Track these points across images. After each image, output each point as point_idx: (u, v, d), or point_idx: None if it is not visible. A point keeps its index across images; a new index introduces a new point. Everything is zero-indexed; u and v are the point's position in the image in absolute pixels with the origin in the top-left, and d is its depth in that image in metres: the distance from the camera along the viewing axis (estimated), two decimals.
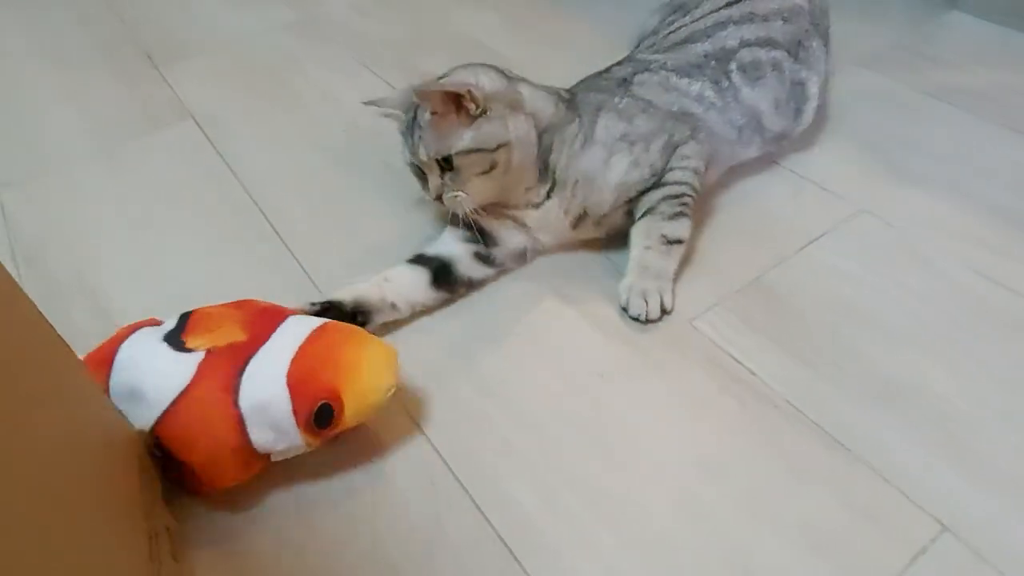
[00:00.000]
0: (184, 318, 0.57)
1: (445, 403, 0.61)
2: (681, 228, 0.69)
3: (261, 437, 0.52)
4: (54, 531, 0.34)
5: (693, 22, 0.81)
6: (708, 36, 0.79)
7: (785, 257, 0.72)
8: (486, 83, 0.68)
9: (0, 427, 0.31)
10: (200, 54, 1.12)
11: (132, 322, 0.60)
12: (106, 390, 0.53)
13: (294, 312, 0.59)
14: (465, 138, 0.65)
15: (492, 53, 1.07)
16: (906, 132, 0.86)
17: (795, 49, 0.80)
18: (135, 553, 0.43)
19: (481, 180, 0.67)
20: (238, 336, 0.54)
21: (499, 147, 0.66)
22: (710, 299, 0.68)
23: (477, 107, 0.65)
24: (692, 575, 0.49)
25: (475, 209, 0.68)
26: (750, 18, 0.80)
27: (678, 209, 0.69)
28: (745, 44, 0.78)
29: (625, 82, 0.75)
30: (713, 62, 0.77)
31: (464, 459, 0.57)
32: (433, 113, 0.66)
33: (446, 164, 0.66)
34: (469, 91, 0.65)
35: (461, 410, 0.61)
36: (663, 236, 0.68)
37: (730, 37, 0.78)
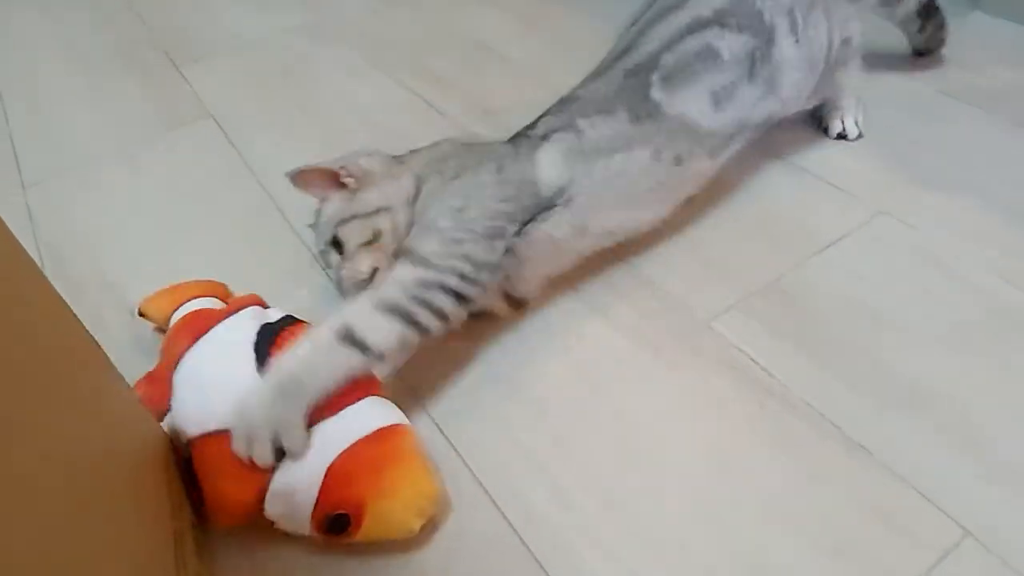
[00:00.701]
0: (284, 323, 0.56)
1: (462, 402, 0.62)
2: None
3: (274, 510, 0.50)
4: (84, 531, 0.35)
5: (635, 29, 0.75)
6: (633, 45, 0.73)
7: (803, 259, 0.72)
8: (365, 162, 0.68)
9: (33, 426, 0.32)
10: (218, 55, 1.13)
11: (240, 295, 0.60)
12: (178, 356, 0.54)
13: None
14: (343, 209, 0.65)
15: (499, 54, 1.07)
16: (926, 133, 0.85)
17: (742, 18, 0.70)
18: (162, 553, 0.44)
19: (367, 251, 0.62)
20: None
21: (378, 211, 0.64)
22: (728, 301, 0.68)
23: (354, 179, 0.66)
24: None
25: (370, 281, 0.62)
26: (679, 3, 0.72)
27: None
28: (670, 43, 0.70)
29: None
30: (632, 81, 0.69)
31: (482, 458, 0.57)
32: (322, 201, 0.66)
33: (336, 245, 0.64)
34: (344, 167, 0.66)
35: (479, 409, 0.61)
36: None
37: (653, 39, 0.71)
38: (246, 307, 0.58)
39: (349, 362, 0.52)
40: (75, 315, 0.42)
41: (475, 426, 0.60)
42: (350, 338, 0.53)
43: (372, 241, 0.63)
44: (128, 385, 0.50)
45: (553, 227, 0.64)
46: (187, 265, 0.77)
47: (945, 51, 0.98)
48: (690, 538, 0.51)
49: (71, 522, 0.33)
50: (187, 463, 0.52)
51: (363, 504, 0.49)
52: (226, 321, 0.56)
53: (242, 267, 0.76)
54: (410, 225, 0.64)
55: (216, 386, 0.52)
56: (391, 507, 0.49)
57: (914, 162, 0.82)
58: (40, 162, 0.94)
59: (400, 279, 0.57)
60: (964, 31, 1.03)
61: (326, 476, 0.49)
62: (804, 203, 0.78)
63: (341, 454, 0.49)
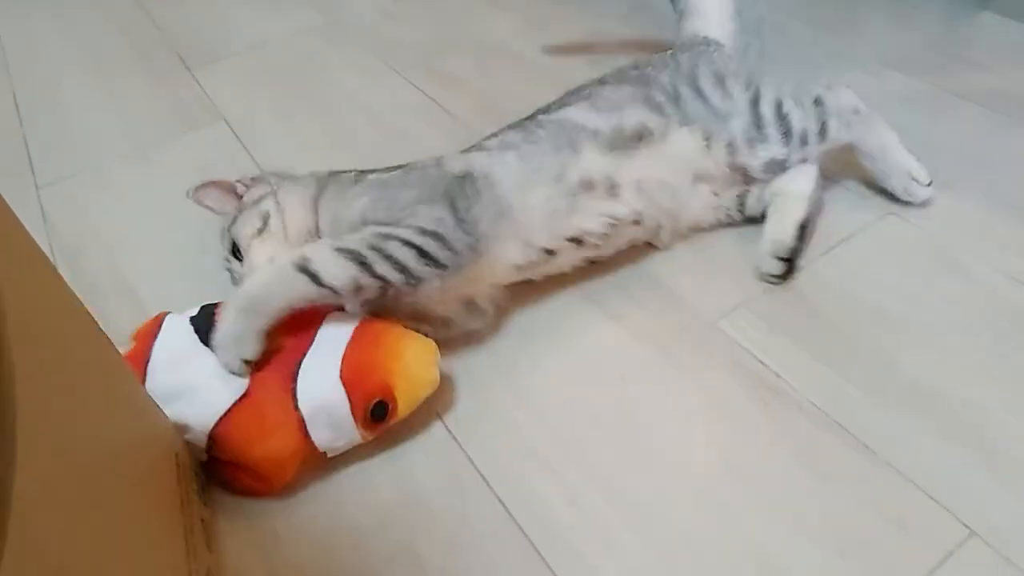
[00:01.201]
0: (212, 306, 0.59)
1: (469, 400, 0.62)
2: None
3: (321, 436, 0.54)
4: (97, 524, 0.35)
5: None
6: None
7: (811, 258, 0.72)
8: (262, 174, 0.71)
9: (49, 422, 0.33)
10: (231, 57, 1.14)
11: (149, 318, 0.61)
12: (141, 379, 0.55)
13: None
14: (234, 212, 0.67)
15: (514, 55, 1.08)
16: (935, 133, 0.85)
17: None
18: (173, 545, 0.45)
19: (260, 241, 0.64)
20: (279, 340, 0.56)
21: (263, 197, 0.66)
22: (734, 300, 0.68)
23: (246, 187, 0.68)
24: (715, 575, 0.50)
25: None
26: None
27: None
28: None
29: None
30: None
31: (489, 456, 0.58)
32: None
33: (236, 253, 0.66)
34: (240, 179, 0.69)
35: (486, 407, 0.61)
36: None
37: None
38: (162, 317, 0.60)
39: (305, 289, 0.55)
40: (88, 313, 0.43)
41: (484, 427, 0.60)
42: (305, 269, 0.56)
43: (263, 229, 0.64)
44: (137, 381, 0.51)
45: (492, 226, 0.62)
46: (200, 266, 0.78)
47: (956, 51, 0.98)
48: (696, 537, 0.52)
49: (85, 515, 0.34)
50: (213, 461, 0.54)
51: (388, 384, 0.55)
52: (159, 334, 0.58)
53: None
54: (312, 220, 0.64)
55: (195, 379, 0.54)
56: (409, 372, 0.56)
57: (923, 161, 0.81)
58: (54, 163, 0.96)
59: (361, 232, 0.59)
60: (973, 31, 1.03)
61: (344, 382, 0.53)
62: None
63: (343, 360, 0.54)
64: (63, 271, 0.81)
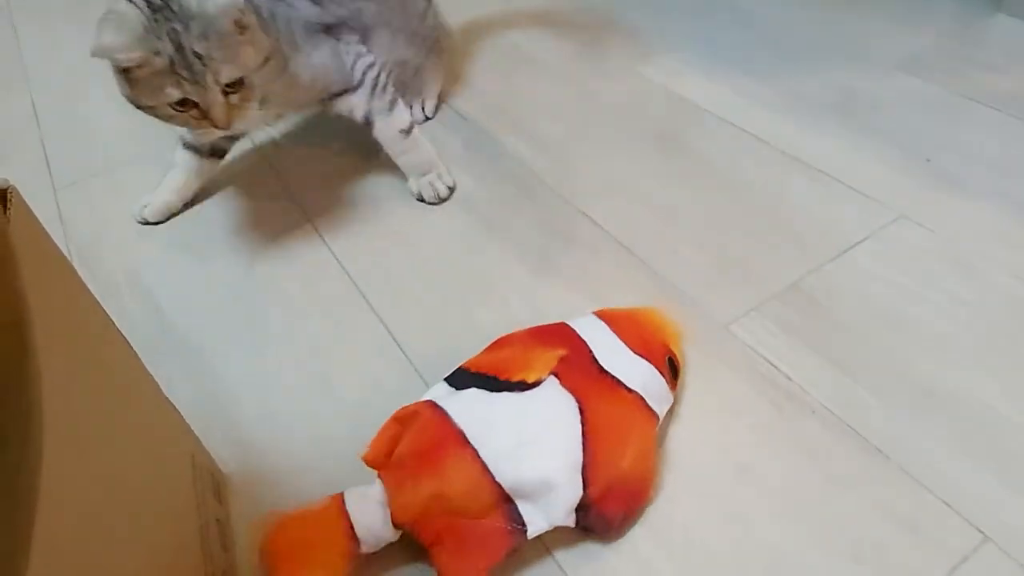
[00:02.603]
0: (463, 372, 0.54)
1: None
2: (403, 115, 0.82)
3: (660, 409, 0.55)
4: (117, 528, 0.36)
5: None
6: None
7: (823, 262, 0.72)
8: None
9: (70, 427, 0.33)
10: None
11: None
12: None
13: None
14: (253, 53, 0.66)
15: (528, 56, 1.08)
16: (947, 136, 0.85)
17: None
18: (190, 547, 0.45)
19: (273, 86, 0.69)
20: (554, 352, 0.53)
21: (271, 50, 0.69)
22: (747, 304, 0.68)
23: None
24: None
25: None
26: None
27: (389, 98, 0.81)
28: None
29: None
30: None
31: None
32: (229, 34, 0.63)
33: (232, 87, 0.66)
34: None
35: None
36: (401, 132, 0.81)
37: None
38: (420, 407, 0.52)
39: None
40: (107, 315, 0.44)
41: None
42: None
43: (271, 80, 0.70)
44: (154, 382, 0.51)
45: None
46: (214, 266, 0.79)
47: (968, 53, 0.98)
48: (708, 541, 0.52)
49: (106, 517, 0.35)
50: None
51: (665, 343, 0.59)
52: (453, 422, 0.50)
53: (269, 268, 0.77)
54: None
55: (527, 435, 0.49)
56: (671, 332, 0.60)
57: (935, 165, 0.81)
58: (71, 165, 0.97)
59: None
60: (986, 33, 1.02)
61: (643, 355, 0.56)
62: (824, 206, 0.78)
63: (626, 340, 0.56)
64: (79, 272, 0.82)
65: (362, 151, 0.90)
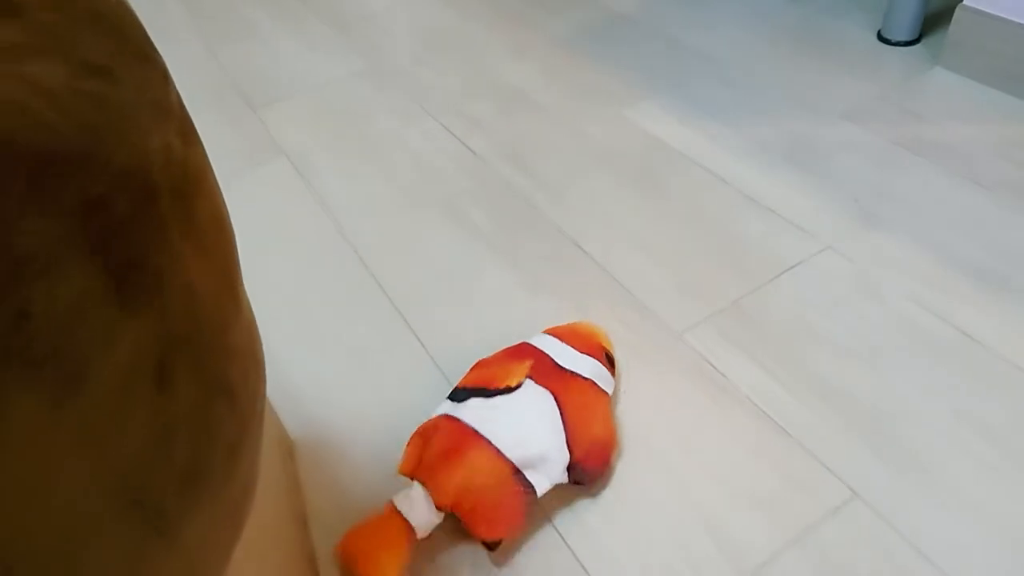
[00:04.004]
0: (460, 390, 0.70)
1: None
2: None
3: (609, 387, 0.74)
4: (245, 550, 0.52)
5: None
6: None
7: (761, 284, 0.89)
8: None
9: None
10: (290, 99, 1.34)
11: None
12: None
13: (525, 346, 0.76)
14: None
15: (533, 102, 1.26)
16: (877, 180, 1.02)
17: None
18: (290, 531, 0.62)
19: None
20: (524, 363, 0.70)
21: None
22: (698, 317, 0.86)
23: None
24: (669, 528, 0.68)
25: None
26: None
27: None
28: None
29: None
30: None
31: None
32: None
33: None
34: None
35: None
36: None
37: None
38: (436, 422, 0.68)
39: None
40: None
41: None
42: None
43: None
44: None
45: None
46: (263, 298, 0.98)
47: (908, 104, 1.15)
48: (656, 498, 0.70)
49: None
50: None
51: (600, 344, 0.77)
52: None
53: (310, 298, 0.96)
54: None
55: (519, 431, 0.67)
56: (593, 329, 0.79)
57: (864, 205, 0.99)
58: None
59: None
60: (923, 85, 1.19)
61: (583, 350, 0.74)
62: (766, 237, 0.95)
63: (568, 342, 0.75)
64: None
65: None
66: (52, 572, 0.20)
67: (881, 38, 1.30)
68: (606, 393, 0.71)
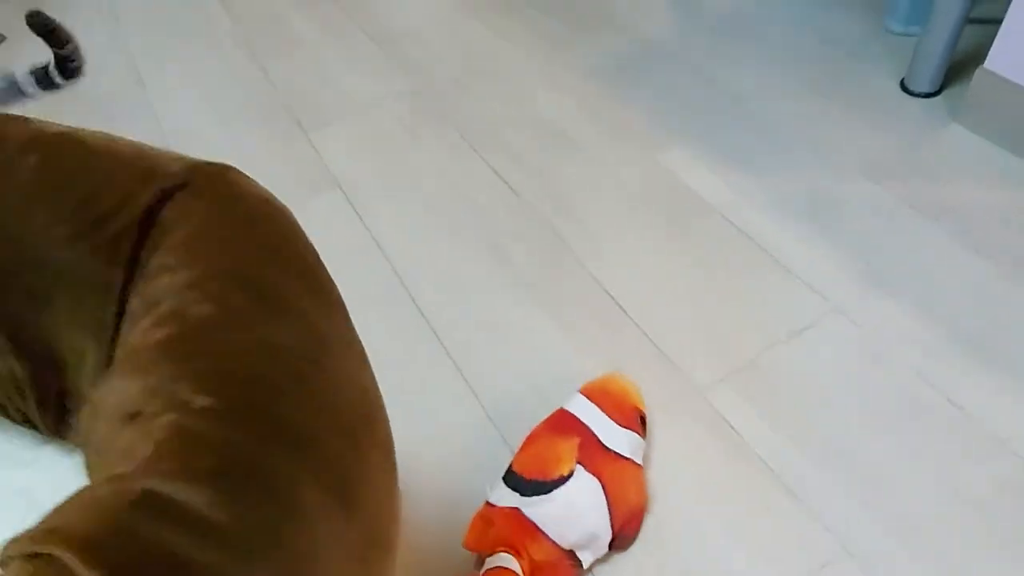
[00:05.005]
0: (517, 477, 0.80)
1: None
2: None
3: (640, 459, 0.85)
4: None
5: None
6: None
7: (774, 343, 0.99)
8: None
9: None
10: (339, 121, 1.42)
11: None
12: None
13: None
14: None
15: (570, 140, 1.33)
16: (888, 242, 1.11)
17: None
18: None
19: None
20: (571, 442, 0.80)
21: None
22: (718, 374, 0.96)
23: None
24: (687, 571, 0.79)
25: None
26: None
27: None
28: None
29: None
30: None
31: None
32: None
33: None
34: None
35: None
36: None
37: None
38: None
39: None
40: None
41: None
42: None
43: None
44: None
45: None
46: None
47: (922, 163, 1.22)
48: (677, 536, 0.81)
49: None
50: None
51: (636, 405, 0.87)
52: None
53: (364, 333, 1.06)
54: None
55: (573, 513, 0.78)
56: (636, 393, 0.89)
57: (874, 268, 1.07)
58: None
59: None
60: (939, 142, 1.26)
61: (627, 425, 0.84)
62: (780, 292, 1.05)
63: (607, 411, 0.83)
64: None
65: None
66: None
67: (904, 87, 1.37)
68: (640, 466, 0.82)
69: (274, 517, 0.27)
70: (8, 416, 0.52)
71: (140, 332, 0.36)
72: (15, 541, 0.29)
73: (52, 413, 0.49)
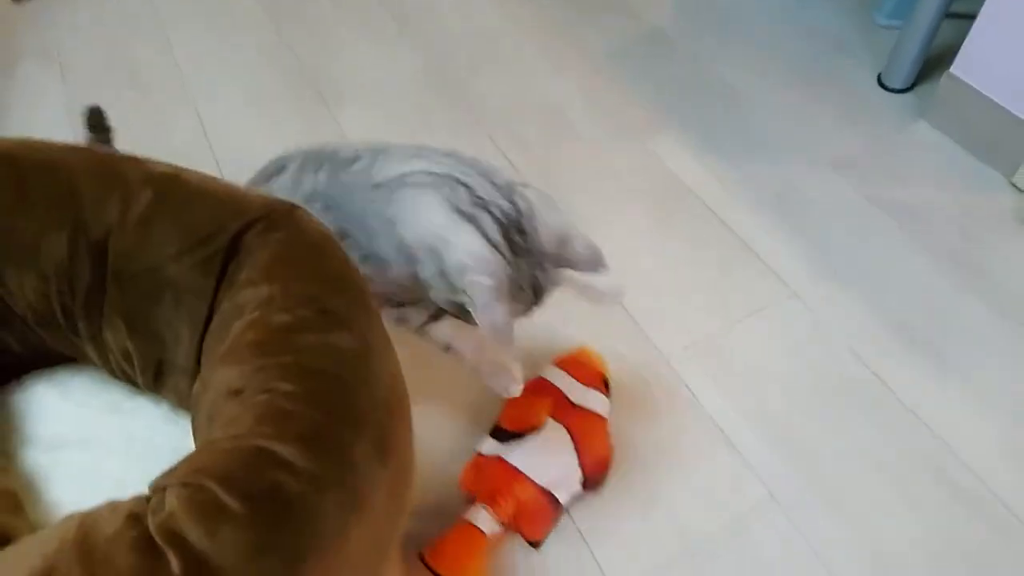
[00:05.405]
0: (502, 431, 0.96)
1: None
2: None
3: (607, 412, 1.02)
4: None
5: None
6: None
7: (737, 320, 1.14)
8: None
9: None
10: (361, 98, 1.53)
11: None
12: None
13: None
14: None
15: (571, 127, 1.46)
16: (846, 235, 1.25)
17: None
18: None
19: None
20: (544, 401, 0.97)
21: None
22: (683, 344, 1.12)
23: None
24: (646, 514, 0.97)
25: None
26: None
27: None
28: None
29: None
30: None
31: None
32: None
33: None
34: None
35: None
36: None
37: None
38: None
39: None
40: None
41: None
42: None
43: None
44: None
45: None
46: None
47: (887, 159, 1.35)
48: (633, 488, 0.98)
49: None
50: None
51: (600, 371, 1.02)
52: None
53: None
54: None
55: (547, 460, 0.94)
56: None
57: (829, 258, 1.22)
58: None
59: None
60: (907, 139, 1.38)
61: (593, 385, 1.00)
62: (746, 276, 1.20)
63: (571, 373, 1.00)
64: None
65: None
66: None
67: (880, 82, 1.47)
68: (605, 418, 0.99)
69: (338, 466, 0.44)
70: (115, 375, 0.69)
71: (235, 333, 0.52)
72: (167, 475, 0.45)
73: (151, 376, 0.65)
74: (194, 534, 0.39)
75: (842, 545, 0.92)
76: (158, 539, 0.39)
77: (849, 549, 0.92)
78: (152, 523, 0.41)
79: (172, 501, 0.41)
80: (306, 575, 0.41)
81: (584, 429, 0.96)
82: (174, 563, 0.38)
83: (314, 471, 0.42)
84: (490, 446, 0.97)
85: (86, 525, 0.41)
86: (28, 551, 0.41)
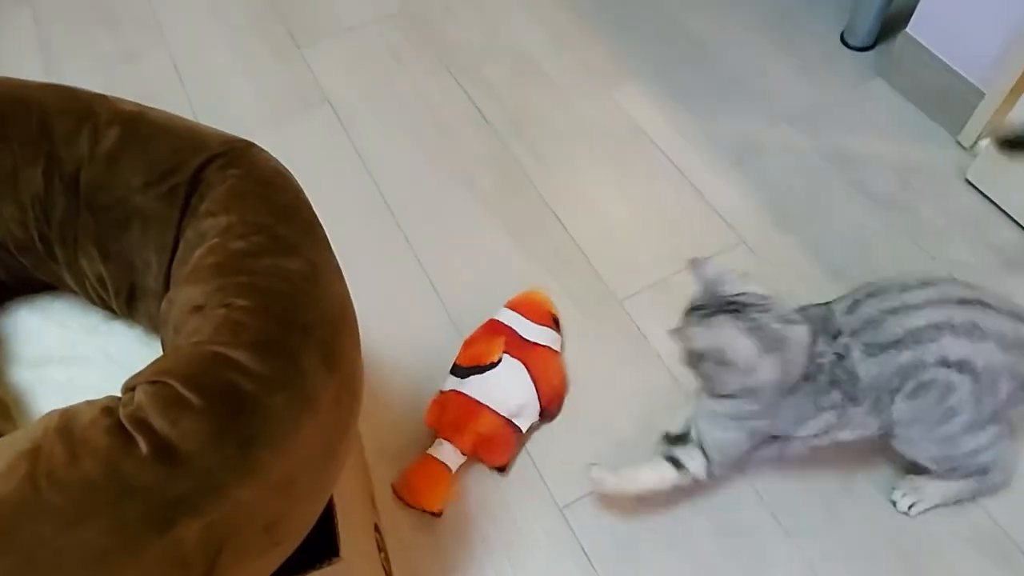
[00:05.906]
0: (460, 367, 1.04)
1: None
2: None
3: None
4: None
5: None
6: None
7: (683, 266, 1.21)
8: None
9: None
10: (331, 38, 1.55)
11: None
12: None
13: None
14: None
15: (541, 73, 1.49)
16: (797, 188, 1.31)
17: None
18: (368, 541, 0.97)
19: None
20: (499, 339, 1.03)
21: None
22: (635, 287, 1.19)
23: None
24: (595, 436, 1.05)
25: None
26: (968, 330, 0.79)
27: None
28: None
29: None
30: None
31: None
32: None
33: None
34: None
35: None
36: None
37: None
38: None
39: None
40: None
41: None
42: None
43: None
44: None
45: None
46: None
47: (842, 114, 1.40)
48: (589, 413, 1.06)
49: None
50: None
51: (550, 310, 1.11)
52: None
53: (346, 253, 1.26)
54: None
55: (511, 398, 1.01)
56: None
57: (779, 209, 1.28)
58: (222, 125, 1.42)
59: None
60: (862, 96, 1.43)
61: (544, 322, 1.08)
62: (699, 225, 1.26)
63: (522, 313, 1.08)
64: None
65: None
66: None
67: (843, 40, 1.51)
68: (558, 352, 1.06)
69: (287, 370, 0.50)
70: (92, 300, 0.75)
71: (197, 257, 0.58)
72: (136, 376, 0.52)
73: (124, 300, 0.71)
74: (158, 422, 0.46)
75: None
76: (128, 426, 0.46)
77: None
78: (123, 413, 0.47)
79: (140, 396, 0.48)
80: (260, 462, 0.48)
81: (539, 363, 1.03)
82: (142, 445, 0.45)
83: (265, 373, 0.48)
84: (451, 383, 1.04)
85: (67, 416, 0.48)
86: (17, 437, 0.47)
